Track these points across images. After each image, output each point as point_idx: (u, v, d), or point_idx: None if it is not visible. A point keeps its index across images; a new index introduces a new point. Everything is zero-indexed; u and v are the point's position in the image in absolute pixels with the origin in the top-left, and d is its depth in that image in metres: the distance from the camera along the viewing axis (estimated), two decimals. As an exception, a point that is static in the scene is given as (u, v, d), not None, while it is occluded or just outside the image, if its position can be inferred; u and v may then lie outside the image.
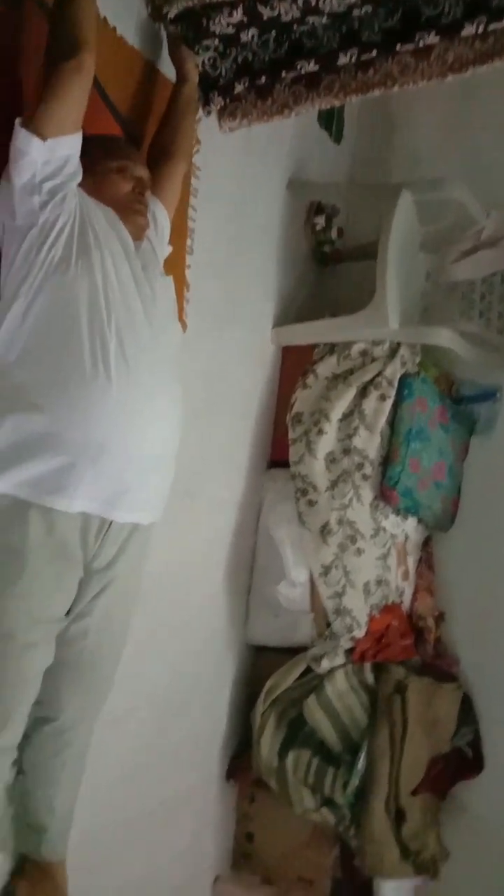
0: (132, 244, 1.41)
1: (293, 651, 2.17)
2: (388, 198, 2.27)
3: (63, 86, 1.26)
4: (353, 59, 1.76)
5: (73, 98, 1.28)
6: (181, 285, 1.86)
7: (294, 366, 2.34)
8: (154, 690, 1.90)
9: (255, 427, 2.30)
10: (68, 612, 1.33)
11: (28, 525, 1.21)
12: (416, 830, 2.00)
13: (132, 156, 1.50)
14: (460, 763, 2.19)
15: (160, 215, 1.60)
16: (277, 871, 2.20)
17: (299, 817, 2.05)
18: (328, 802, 1.99)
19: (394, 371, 2.19)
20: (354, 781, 1.94)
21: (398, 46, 1.70)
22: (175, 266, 1.83)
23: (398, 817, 1.98)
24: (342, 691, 2.05)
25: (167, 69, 1.78)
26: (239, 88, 1.94)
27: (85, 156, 1.43)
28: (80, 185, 1.38)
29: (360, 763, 1.95)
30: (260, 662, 2.28)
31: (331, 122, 2.70)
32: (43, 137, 1.25)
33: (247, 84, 1.92)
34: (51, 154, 1.27)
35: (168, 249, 1.64)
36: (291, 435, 2.24)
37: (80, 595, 1.33)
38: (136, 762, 1.85)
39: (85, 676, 1.39)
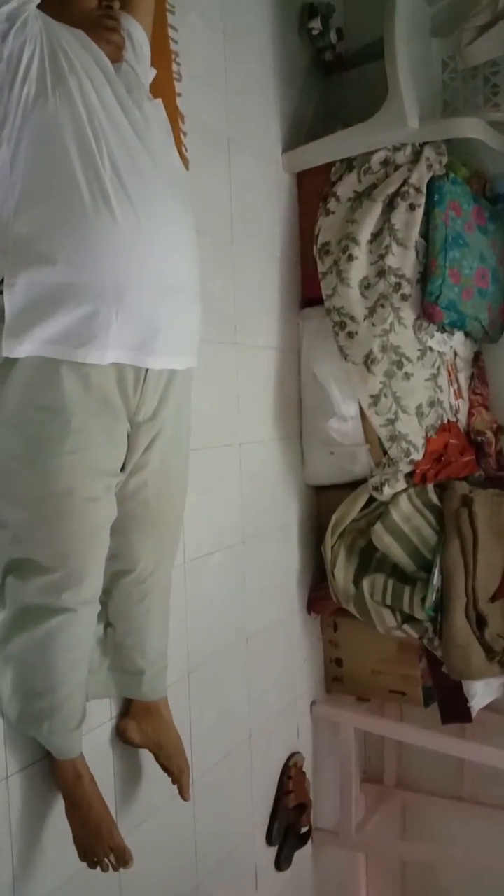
0: (111, 66, 1.28)
1: (354, 486, 2.17)
2: (388, -22, 2.01)
3: None
4: None
5: None
6: (175, 116, 1.71)
7: (312, 192, 2.18)
8: (225, 536, 1.94)
9: (281, 267, 2.19)
10: (123, 468, 1.32)
11: (62, 383, 1.17)
12: (498, 632, 2.05)
13: (93, -36, 1.33)
14: (536, 567, 2.21)
15: (136, 32, 1.44)
16: (370, 689, 2.32)
17: (383, 637, 2.12)
18: (409, 619, 2.04)
19: (420, 176, 2.02)
20: (431, 596, 1.97)
21: None
22: (165, 96, 1.67)
23: (479, 623, 2.02)
24: (408, 514, 2.05)
25: None
26: None
27: None
28: (41, 8, 1.24)
29: (435, 578, 1.98)
30: (323, 501, 2.30)
31: None
32: None
33: None
34: None
35: (152, 72, 1.49)
36: (321, 268, 2.13)
37: (131, 449, 1.31)
38: (220, 603, 1.92)
39: (153, 524, 1.41)
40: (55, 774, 1.37)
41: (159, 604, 1.50)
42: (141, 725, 1.54)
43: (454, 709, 2.13)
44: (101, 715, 1.53)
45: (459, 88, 2.23)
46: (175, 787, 1.55)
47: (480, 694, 2.11)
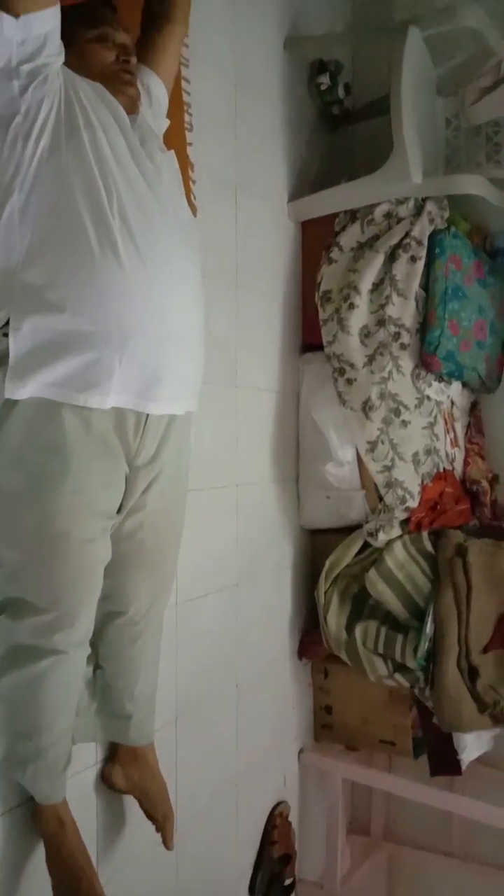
0: (126, 118, 1.32)
1: (349, 530, 2.17)
2: (395, 39, 2.08)
3: None
4: None
5: None
6: (185, 165, 1.75)
7: (315, 241, 2.23)
8: (218, 578, 1.94)
9: (283, 311, 2.23)
10: (120, 510, 1.32)
11: (63, 424, 1.18)
12: (490, 684, 2.03)
13: (110, 21, 1.37)
14: (529, 618, 2.20)
15: (155, 87, 1.48)
16: (359, 738, 2.29)
17: (374, 685, 2.10)
18: (401, 668, 2.03)
19: (422, 229, 2.07)
20: (424, 645, 1.96)
21: None
22: (176, 145, 1.72)
23: (471, 674, 2.01)
24: (402, 561, 2.05)
25: None
26: None
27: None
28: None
29: (428, 627, 1.97)
30: (317, 545, 2.30)
31: (323, -34, 2.47)
32: (15, 13, 1.12)
33: None
34: (27, 32, 1.15)
35: (165, 123, 1.53)
36: (322, 315, 2.16)
37: (129, 491, 1.32)
38: (211, 647, 1.91)
39: (147, 566, 1.41)
40: (37, 820, 1.35)
41: (151, 646, 1.49)
42: (126, 771, 1.52)
43: (444, 761, 2.11)
44: (87, 759, 1.51)
45: (462, 146, 2.29)
46: (159, 834, 1.52)
47: (471, 747, 2.09)
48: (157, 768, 1.55)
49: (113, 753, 1.55)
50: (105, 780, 1.53)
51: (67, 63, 1.28)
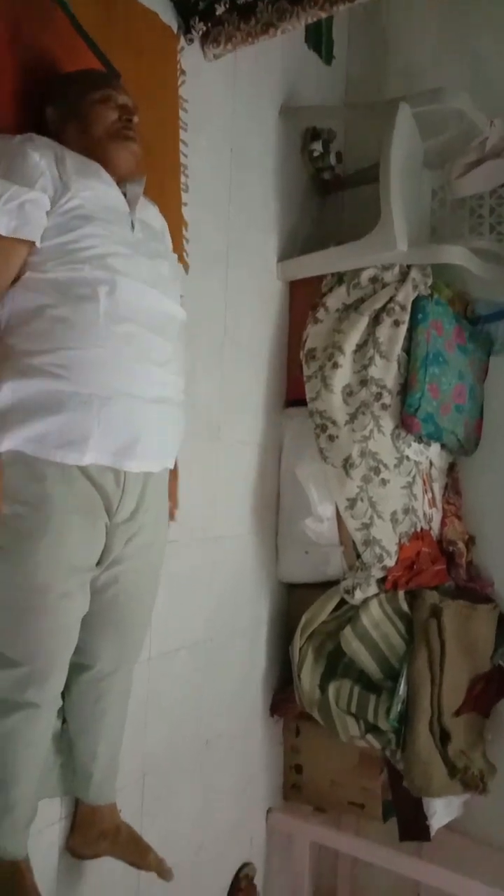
0: (128, 211, 1.36)
1: (326, 586, 2.17)
2: (387, 114, 2.17)
3: None
4: (338, -36, 1.67)
5: None
6: (179, 224, 1.81)
7: (303, 301, 2.28)
8: (193, 632, 1.93)
9: (268, 366, 2.27)
10: (99, 563, 1.32)
11: (45, 479, 1.20)
12: (461, 749, 2.03)
13: (113, 84, 1.43)
14: (502, 681, 2.20)
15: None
16: (328, 799, 2.25)
17: (345, 745, 2.09)
18: (373, 729, 2.01)
19: (406, 295, 2.13)
20: (397, 707, 1.96)
21: None
22: (171, 205, 1.77)
23: (443, 738, 2.00)
24: (377, 620, 2.06)
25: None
26: (220, 10, 1.86)
27: (64, 97, 1.38)
28: (66, 133, 1.36)
29: (401, 688, 1.97)
30: (294, 599, 2.30)
31: (319, 42, 2.59)
32: None
33: (228, 5, 1.84)
34: None
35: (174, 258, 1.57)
36: (306, 372, 2.20)
37: (108, 545, 1.32)
38: (182, 702, 1.89)
39: (119, 622, 1.40)
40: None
41: (115, 706, 1.46)
42: (89, 836, 1.49)
43: (413, 826, 2.08)
44: (51, 815, 1.48)
45: (447, 216, 2.38)
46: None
47: (440, 812, 2.07)
48: (118, 820, 1.51)
49: (73, 821, 1.51)
50: (72, 852, 1.50)
51: (72, 129, 1.36)
